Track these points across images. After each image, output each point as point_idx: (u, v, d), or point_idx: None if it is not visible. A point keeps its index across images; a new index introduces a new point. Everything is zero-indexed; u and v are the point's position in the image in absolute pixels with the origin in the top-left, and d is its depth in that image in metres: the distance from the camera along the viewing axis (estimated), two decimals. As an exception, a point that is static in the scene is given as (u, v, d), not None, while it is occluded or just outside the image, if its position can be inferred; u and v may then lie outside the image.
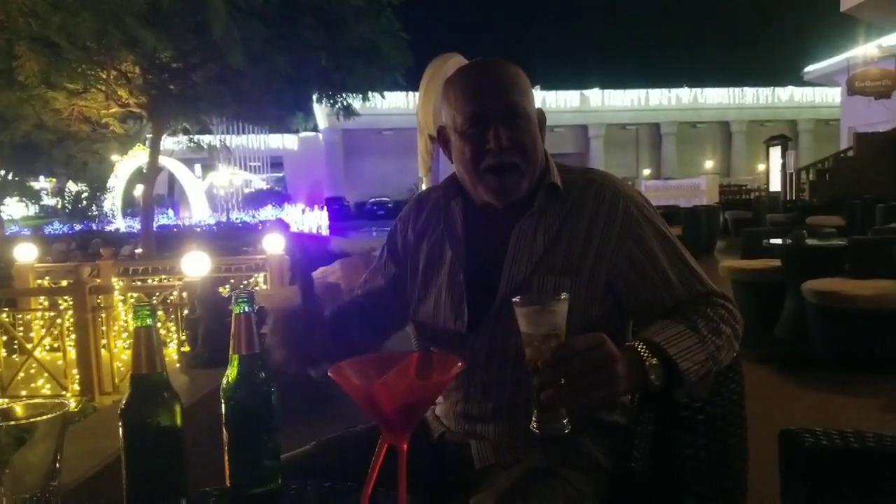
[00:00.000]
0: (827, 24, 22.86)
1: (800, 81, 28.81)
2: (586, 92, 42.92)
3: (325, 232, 15.63)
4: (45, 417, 0.74)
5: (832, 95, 32.15)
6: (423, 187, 2.94)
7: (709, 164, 41.81)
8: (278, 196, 21.16)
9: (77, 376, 3.93)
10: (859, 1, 15.80)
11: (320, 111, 22.48)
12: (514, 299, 0.98)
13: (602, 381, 0.96)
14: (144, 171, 10.61)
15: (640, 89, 43.27)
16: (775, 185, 20.61)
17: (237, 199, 18.36)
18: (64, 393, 3.94)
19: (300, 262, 1.20)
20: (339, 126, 35.07)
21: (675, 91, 43.18)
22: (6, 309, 4.61)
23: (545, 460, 1.18)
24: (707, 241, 11.63)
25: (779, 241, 5.34)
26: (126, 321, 4.56)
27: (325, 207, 17.85)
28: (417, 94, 4.50)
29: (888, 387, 4.05)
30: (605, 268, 1.23)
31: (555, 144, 37.72)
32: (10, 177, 14.19)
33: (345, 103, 10.21)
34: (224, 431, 0.95)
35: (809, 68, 24.08)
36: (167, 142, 11.50)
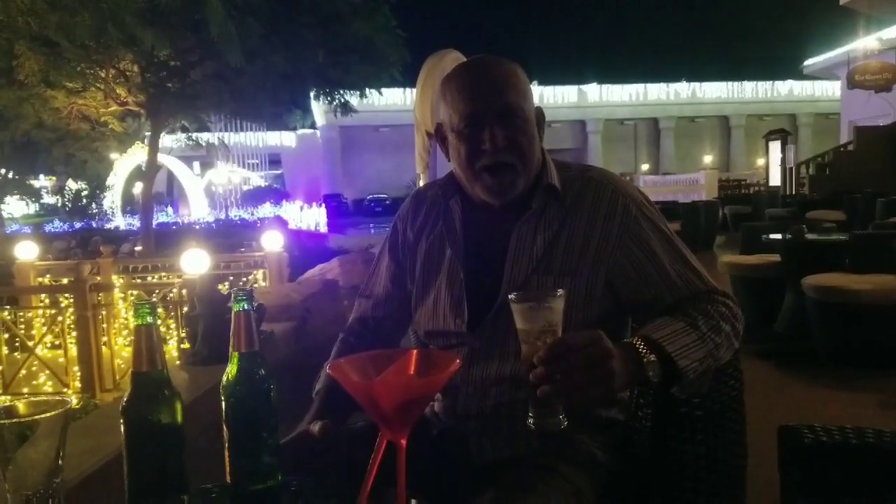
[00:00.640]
0: (826, 17, 22.83)
1: (799, 75, 28.80)
2: (584, 87, 42.83)
3: (323, 229, 15.63)
4: (47, 415, 0.74)
5: (832, 89, 32.07)
6: (421, 184, 2.94)
7: (708, 159, 41.79)
8: (277, 193, 21.14)
9: (78, 374, 3.94)
10: (858, -6, 15.79)
11: (318, 108, 22.42)
12: (510, 296, 0.98)
13: (598, 378, 0.96)
14: (143, 168, 10.61)
15: (639, 84, 43.17)
16: (775, 179, 20.62)
17: (236, 197, 18.35)
18: (65, 390, 3.95)
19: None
20: (336, 123, 35.06)
21: (673, 85, 43.07)
22: (7, 307, 4.62)
23: (543, 457, 1.18)
24: (706, 237, 11.62)
25: (778, 236, 5.34)
26: (126, 319, 4.57)
27: (323, 204, 17.86)
28: (414, 90, 4.50)
29: (888, 382, 4.05)
30: (605, 266, 1.23)
31: (552, 140, 37.66)
32: (10, 175, 14.19)
33: (342, 100, 10.22)
34: (224, 428, 0.96)
35: (809, 62, 24.03)
36: (166, 140, 11.51)
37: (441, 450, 1.30)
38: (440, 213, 1.37)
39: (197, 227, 12.56)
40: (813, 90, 41.07)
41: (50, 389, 4.05)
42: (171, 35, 7.09)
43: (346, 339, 1.43)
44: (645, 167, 42.07)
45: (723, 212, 14.57)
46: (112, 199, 14.83)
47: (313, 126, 37.23)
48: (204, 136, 12.06)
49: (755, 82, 43.11)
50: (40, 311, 4.84)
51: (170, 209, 17.13)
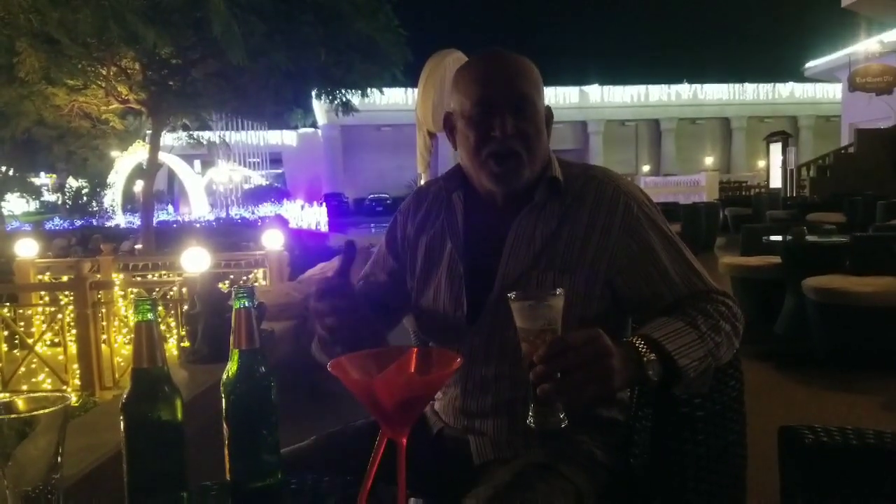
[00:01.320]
0: (828, 19, 22.83)
1: (800, 77, 28.78)
2: (585, 88, 42.85)
3: (323, 228, 15.63)
4: (46, 410, 0.74)
5: (833, 91, 32.09)
6: (422, 183, 2.94)
7: (709, 161, 41.81)
8: (277, 192, 21.16)
9: (78, 371, 3.94)
10: (860, -3, 15.79)
11: (319, 107, 22.41)
12: (509, 294, 0.98)
13: (597, 376, 0.96)
14: (144, 167, 10.62)
15: (640, 85, 43.19)
16: (775, 181, 20.62)
17: (236, 196, 18.36)
18: (65, 388, 3.94)
19: (348, 247, 1.18)
20: (337, 122, 35.05)
21: (674, 87, 43.09)
22: (7, 304, 4.61)
23: (544, 456, 1.18)
24: (707, 238, 11.62)
25: (779, 237, 5.34)
26: (126, 317, 4.57)
27: (324, 203, 17.86)
28: (416, 90, 4.50)
29: (888, 384, 4.06)
30: (605, 265, 1.23)
31: (554, 140, 36.85)
32: (10, 173, 14.19)
33: (344, 99, 10.22)
34: (224, 426, 0.96)
35: (810, 64, 24.04)
36: (167, 138, 11.50)
37: (441, 448, 1.30)
38: (442, 208, 1.37)
39: (197, 225, 12.57)
40: (814, 92, 41.09)
41: (49, 387, 4.05)
42: (173, 33, 7.09)
43: None
44: (646, 168, 42.08)
45: (723, 213, 14.58)
46: (112, 197, 14.84)
47: (314, 125, 37.21)
48: (205, 135, 12.05)
49: (756, 84, 43.15)
50: (40, 309, 4.83)
51: (170, 207, 17.14)
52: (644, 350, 1.05)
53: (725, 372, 1.24)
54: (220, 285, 4.25)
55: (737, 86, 43.13)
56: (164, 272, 5.74)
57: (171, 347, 4.01)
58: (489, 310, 1.26)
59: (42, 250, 6.55)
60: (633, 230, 1.24)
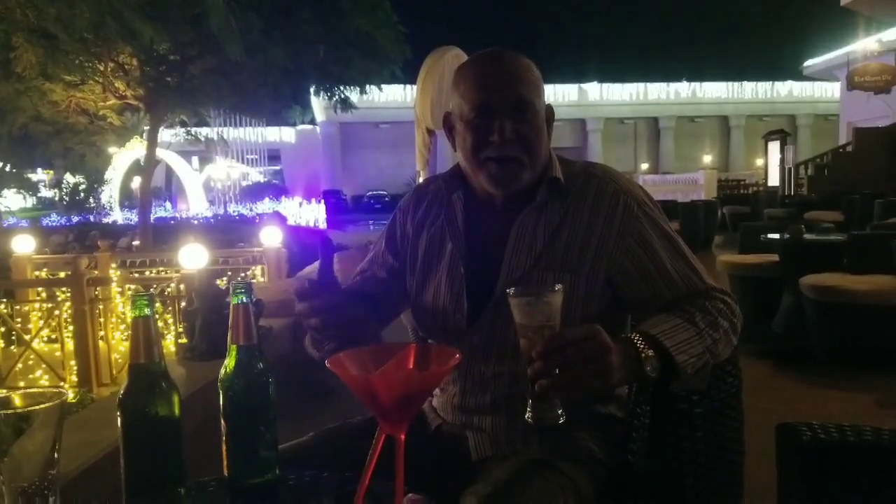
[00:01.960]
0: (826, 18, 22.83)
1: (799, 76, 28.78)
2: (584, 85, 42.83)
3: (322, 225, 15.62)
4: (43, 406, 0.74)
5: (831, 90, 32.09)
6: (420, 181, 2.93)
7: (707, 159, 41.80)
8: (275, 189, 21.14)
9: (75, 367, 3.93)
10: (859, -5, 15.79)
11: (318, 104, 22.41)
12: (508, 290, 0.98)
13: (596, 372, 0.96)
14: (142, 163, 10.60)
15: (639, 83, 43.17)
16: (773, 179, 20.62)
17: (234, 192, 18.34)
18: (62, 384, 3.94)
19: (324, 243, 1.18)
20: (336, 119, 34.99)
21: (673, 85, 43.08)
22: (4, 300, 4.60)
23: (542, 453, 1.18)
24: (705, 236, 11.63)
25: (777, 235, 5.34)
26: (123, 313, 4.56)
27: (323, 201, 17.84)
28: (415, 87, 4.49)
29: (886, 381, 4.06)
30: (605, 263, 1.23)
31: (553, 138, 37.46)
32: (7, 169, 14.15)
33: (342, 96, 10.21)
34: (222, 422, 0.95)
35: (808, 63, 24.04)
36: (164, 134, 11.48)
37: (439, 445, 1.30)
38: (442, 206, 1.37)
39: (195, 222, 12.54)
40: (812, 91, 41.11)
41: (46, 383, 4.04)
42: (171, 28, 7.08)
43: None
44: (644, 166, 42.09)
45: (722, 212, 14.58)
46: (110, 194, 14.81)
47: (313, 122, 37.22)
48: (203, 131, 12.03)
49: (755, 83, 43.13)
50: (37, 305, 4.82)
51: (168, 204, 17.11)
52: (642, 346, 1.06)
53: (723, 369, 1.24)
54: (218, 282, 4.25)
55: (735, 84, 43.12)
56: (161, 269, 5.73)
57: (169, 344, 4.00)
58: (489, 309, 1.26)
59: (39, 246, 6.53)
60: (634, 229, 1.24)
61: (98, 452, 1.86)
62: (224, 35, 6.78)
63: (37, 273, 5.52)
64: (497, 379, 1.25)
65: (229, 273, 5.37)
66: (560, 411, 0.96)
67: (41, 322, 4.43)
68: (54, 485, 0.76)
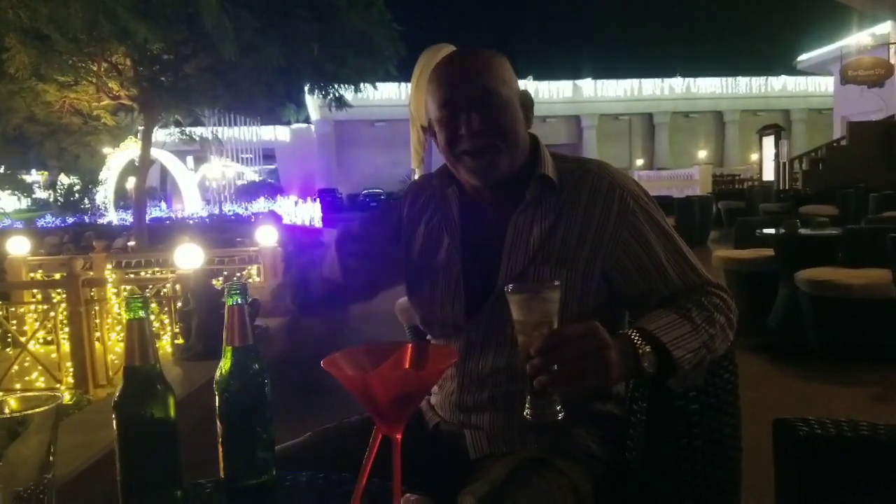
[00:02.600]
0: (820, 12, 22.89)
1: (793, 71, 28.87)
2: (579, 82, 42.84)
3: (317, 224, 15.61)
4: (38, 410, 0.74)
5: (825, 85, 32.18)
6: (416, 178, 2.93)
7: (702, 154, 41.86)
8: (271, 188, 21.11)
9: (71, 369, 3.92)
10: (852, -11, 15.81)
11: (312, 102, 22.39)
12: (506, 287, 0.98)
13: (594, 368, 0.96)
14: (136, 163, 10.56)
15: (633, 79, 43.19)
16: (768, 174, 20.63)
17: (229, 192, 18.30)
18: (58, 386, 3.93)
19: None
20: (331, 118, 35.01)
21: (668, 81, 43.12)
22: (-1, 302, 4.60)
23: (539, 450, 1.18)
24: (700, 232, 11.66)
25: (772, 230, 5.35)
26: (119, 314, 4.55)
27: (318, 199, 17.83)
28: (410, 85, 4.48)
29: (881, 375, 4.08)
30: (601, 259, 1.23)
31: (548, 135, 37.66)
32: (1, 170, 14.09)
33: (337, 94, 10.19)
34: (218, 423, 0.95)
35: (802, 57, 24.09)
36: (159, 134, 11.45)
37: (437, 443, 1.30)
38: (438, 202, 1.37)
39: (190, 221, 12.52)
40: (806, 86, 41.22)
41: (42, 385, 4.03)
42: (164, 28, 7.05)
43: None
44: (639, 162, 42.15)
45: (717, 207, 14.62)
46: (105, 194, 14.75)
47: (307, 120, 37.18)
48: (197, 131, 12.00)
49: (749, 78, 43.19)
50: (32, 307, 4.81)
51: (163, 204, 17.07)
52: (640, 342, 1.06)
53: (720, 365, 1.24)
54: (214, 282, 4.24)
55: (730, 79, 43.17)
56: (157, 269, 5.72)
57: (165, 344, 3.99)
58: (487, 305, 1.26)
59: (34, 248, 6.51)
60: (630, 224, 1.24)
61: (94, 454, 1.86)
62: (218, 34, 6.76)
63: (32, 275, 5.51)
64: (495, 375, 1.25)
65: (225, 273, 5.36)
66: (559, 408, 0.96)
67: (37, 324, 4.42)
68: (50, 488, 0.76)
